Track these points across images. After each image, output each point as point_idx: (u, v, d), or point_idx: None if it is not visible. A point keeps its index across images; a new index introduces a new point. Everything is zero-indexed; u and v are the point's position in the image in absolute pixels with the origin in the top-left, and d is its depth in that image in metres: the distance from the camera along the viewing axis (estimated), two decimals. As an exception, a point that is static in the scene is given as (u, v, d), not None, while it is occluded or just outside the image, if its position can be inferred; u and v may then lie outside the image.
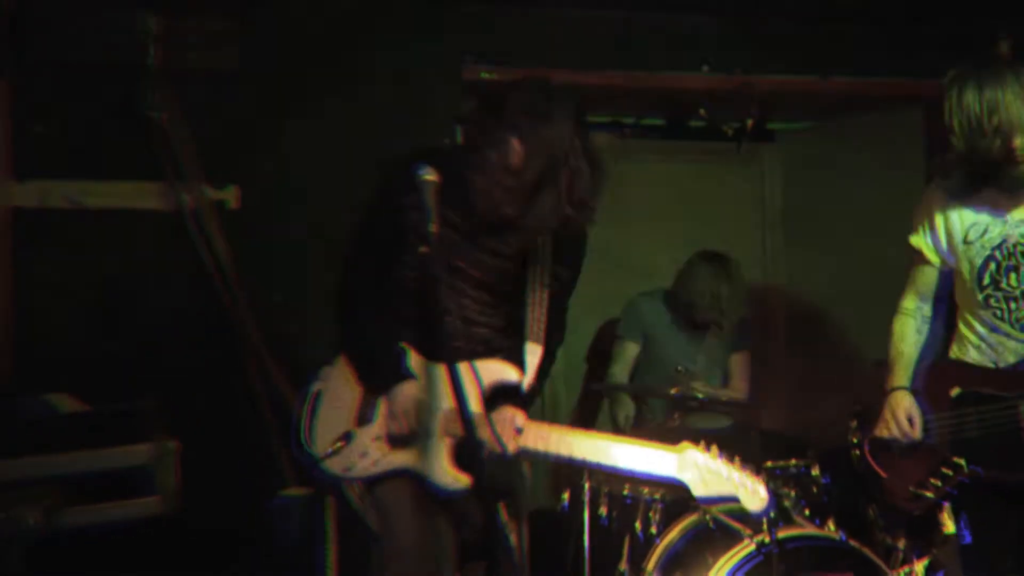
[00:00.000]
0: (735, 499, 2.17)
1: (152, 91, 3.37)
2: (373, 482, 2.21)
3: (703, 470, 2.15)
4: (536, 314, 2.22)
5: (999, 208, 2.49)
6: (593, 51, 3.88)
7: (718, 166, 4.59)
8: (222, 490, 3.01)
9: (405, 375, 2.18)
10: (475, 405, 2.07)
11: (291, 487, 3.04)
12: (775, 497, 2.22)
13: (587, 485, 3.22)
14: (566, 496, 3.36)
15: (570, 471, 3.34)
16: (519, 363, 2.22)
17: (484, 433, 2.05)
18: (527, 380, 2.20)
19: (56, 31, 3.34)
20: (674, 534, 3.10)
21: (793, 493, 3.12)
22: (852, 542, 2.91)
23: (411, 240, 2.10)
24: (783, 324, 4.66)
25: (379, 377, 2.20)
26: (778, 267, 4.70)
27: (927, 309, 2.67)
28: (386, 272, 2.20)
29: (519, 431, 2.16)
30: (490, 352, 2.21)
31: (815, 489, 3.16)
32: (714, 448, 2.19)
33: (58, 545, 2.20)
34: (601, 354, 4.22)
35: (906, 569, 3.03)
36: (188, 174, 3.41)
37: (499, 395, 2.19)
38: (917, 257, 2.67)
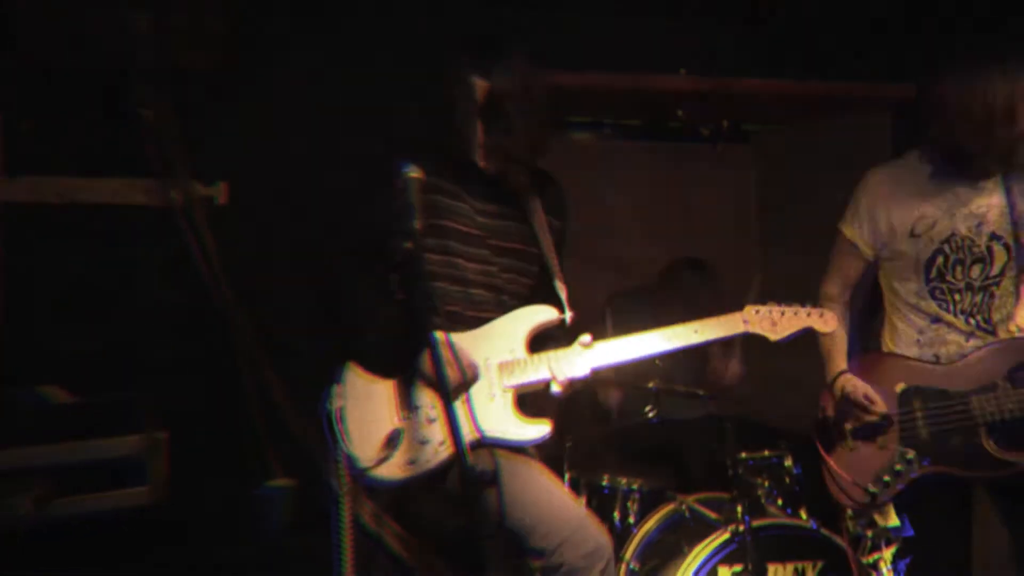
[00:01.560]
0: (810, 329, 2.30)
1: (141, 88, 3.34)
2: (400, 507, 2.14)
3: (770, 317, 2.26)
4: (552, 255, 2.30)
5: (952, 202, 2.50)
6: (573, 53, 3.87)
7: (695, 166, 4.62)
8: (210, 480, 2.99)
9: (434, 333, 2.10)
10: (523, 353, 2.16)
11: (278, 478, 3.02)
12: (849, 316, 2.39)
13: (567, 476, 3.24)
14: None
15: (551, 462, 3.35)
16: (553, 301, 2.26)
17: (553, 373, 2.12)
18: (568, 314, 2.25)
19: (46, 28, 3.29)
20: (651, 524, 3.12)
21: (766, 483, 3.15)
22: (824, 530, 2.94)
23: (428, 221, 2.13)
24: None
25: (414, 344, 2.12)
26: (752, 263, 4.72)
27: (848, 296, 2.69)
28: (381, 262, 2.16)
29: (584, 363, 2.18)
30: (499, 306, 2.23)
31: (788, 479, 3.19)
32: (771, 302, 2.29)
33: (47, 537, 2.17)
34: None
35: (875, 556, 3.05)
36: (177, 171, 3.38)
37: (547, 337, 2.23)
38: (847, 247, 2.67)
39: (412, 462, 2.06)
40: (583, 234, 4.74)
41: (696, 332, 2.24)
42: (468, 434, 2.07)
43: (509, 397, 2.13)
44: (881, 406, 2.53)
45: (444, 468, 2.09)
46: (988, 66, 2.38)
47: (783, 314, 2.28)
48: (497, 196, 2.27)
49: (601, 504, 3.21)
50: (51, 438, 2.21)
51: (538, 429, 2.13)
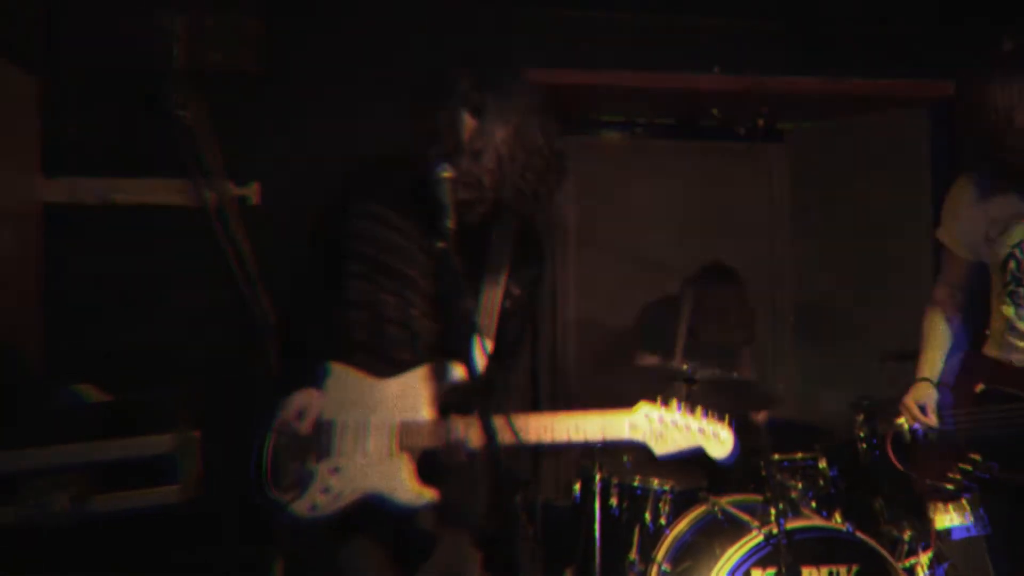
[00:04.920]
0: (699, 449, 2.03)
1: (177, 90, 3.35)
2: (337, 544, 2.08)
3: (660, 426, 2.00)
4: (488, 308, 2.10)
5: (1019, 209, 2.41)
6: (605, 52, 3.85)
7: (727, 165, 4.56)
8: (241, 478, 3.00)
9: (310, 384, 2.08)
10: (424, 413, 2.03)
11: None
12: (739, 440, 2.04)
13: (598, 476, 3.20)
14: (577, 487, 3.34)
15: (581, 463, 3.33)
16: (465, 359, 2.04)
17: (445, 439, 1.99)
18: (477, 370, 2.00)
19: (85, 31, 3.33)
20: (683, 525, 3.08)
21: (800, 485, 3.10)
22: (858, 534, 2.88)
23: (358, 249, 2.07)
24: (791, 320, 4.63)
25: (288, 384, 2.09)
26: (786, 264, 4.66)
27: (960, 297, 2.59)
28: (331, 282, 2.13)
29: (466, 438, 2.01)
30: (414, 350, 2.09)
31: (822, 481, 3.13)
32: (673, 401, 2.03)
33: (82, 534, 2.18)
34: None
35: (911, 560, 3.00)
36: (211, 171, 3.39)
37: (455, 396, 2.07)
38: (945, 250, 2.60)
39: (313, 507, 2.04)
40: (615, 234, 4.79)
41: (576, 429, 2.00)
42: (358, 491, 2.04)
43: (404, 458, 2.03)
44: (931, 420, 2.46)
45: (336, 518, 2.05)
46: (996, 75, 2.30)
47: (675, 425, 2.01)
48: (458, 244, 1.94)
49: (633, 505, 3.18)
50: (86, 436, 2.22)
51: (419, 497, 2.04)
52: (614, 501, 3.19)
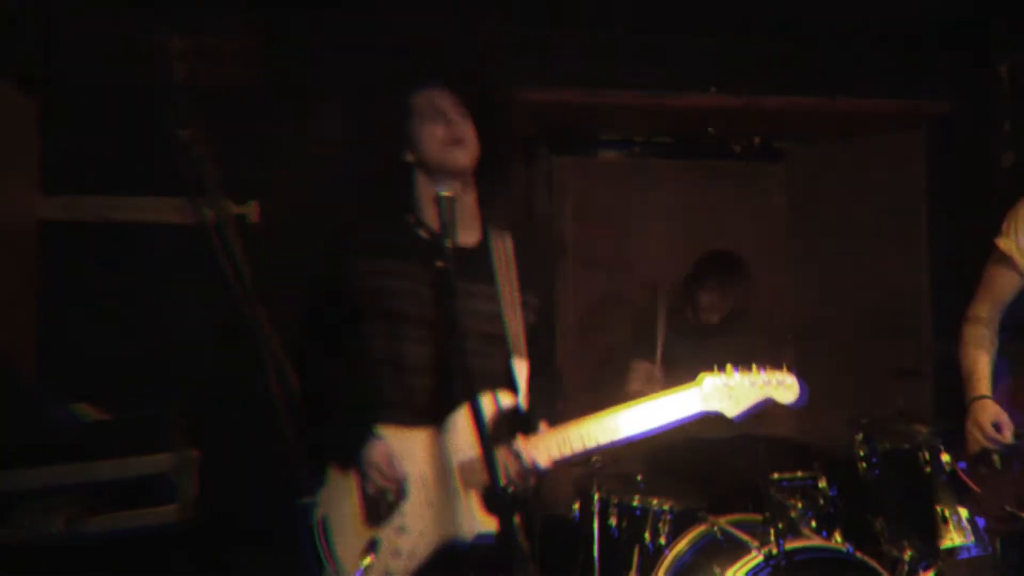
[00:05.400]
0: (769, 400, 2.07)
1: (176, 108, 3.36)
2: None
3: (728, 390, 2.05)
4: (514, 329, 2.09)
5: None
6: (602, 71, 3.88)
7: (725, 184, 4.59)
8: (240, 498, 2.98)
9: (371, 438, 2.04)
10: (471, 450, 1.99)
11: (308, 496, 3.00)
12: (804, 382, 2.09)
13: (597, 496, 3.19)
14: (576, 506, 3.33)
15: (580, 481, 3.31)
16: (509, 385, 2.07)
17: (507, 469, 1.97)
18: (522, 398, 2.06)
19: (84, 49, 3.35)
20: (683, 545, 3.07)
21: (800, 504, 3.09)
22: (859, 554, 2.87)
23: (374, 306, 2.06)
24: (789, 339, 4.59)
25: (346, 450, 2.05)
26: (783, 281, 4.67)
27: (998, 318, 2.50)
28: (349, 344, 2.11)
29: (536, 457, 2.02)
30: (450, 396, 2.04)
31: (822, 501, 3.12)
32: (728, 366, 2.07)
33: (78, 555, 2.16)
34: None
35: (912, 581, 2.98)
36: (210, 189, 3.40)
37: (504, 424, 2.05)
38: (1002, 263, 2.47)
39: (387, 574, 1.99)
40: (613, 253, 4.80)
41: (650, 418, 2.03)
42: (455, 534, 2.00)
43: (472, 495, 2.00)
44: (1007, 437, 2.38)
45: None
46: None
47: (742, 383, 2.06)
48: (465, 270, 1.99)
49: (632, 525, 3.16)
50: (82, 456, 2.20)
51: (483, 524, 2.00)
52: (613, 521, 3.18)
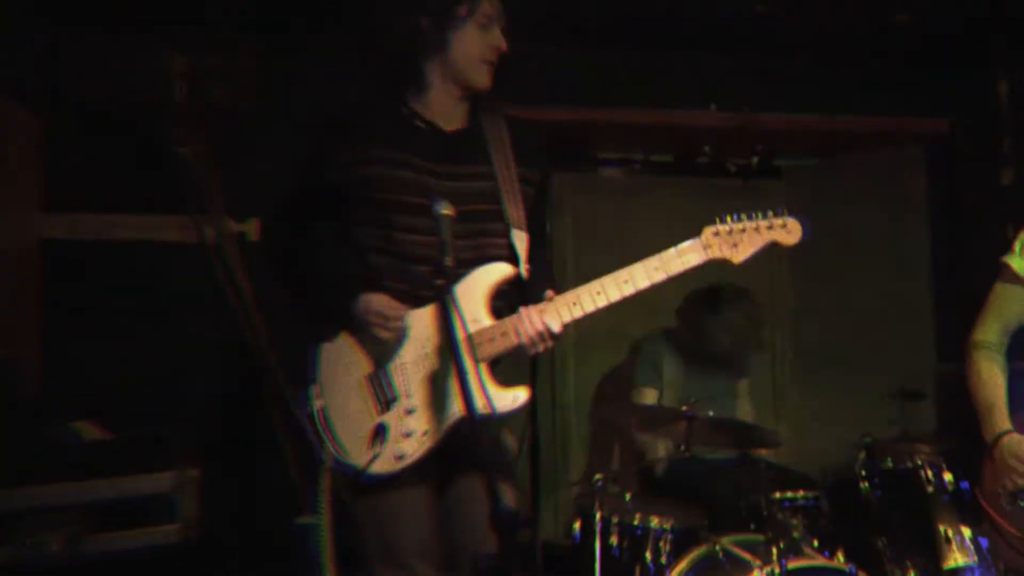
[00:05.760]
0: (772, 243, 2.09)
1: (177, 127, 3.40)
2: (381, 489, 2.00)
3: (730, 237, 2.08)
4: (513, 201, 2.10)
5: None
6: (601, 89, 3.91)
7: (726, 202, 4.49)
8: (241, 517, 2.98)
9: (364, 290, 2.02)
10: (486, 321, 2.00)
11: (307, 515, 3.00)
12: (807, 220, 2.11)
13: (598, 515, 3.19)
14: (577, 526, 3.32)
15: (581, 501, 3.31)
16: (510, 257, 2.07)
17: (519, 336, 1.97)
18: (523, 267, 2.06)
19: (87, 70, 3.38)
20: (684, 565, 3.05)
21: (802, 524, 3.08)
22: (862, 574, 2.86)
23: (369, 195, 2.03)
24: (790, 354, 4.63)
25: (339, 304, 2.01)
26: (785, 301, 4.67)
27: (1006, 342, 2.37)
28: (340, 232, 2.09)
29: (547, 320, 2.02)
30: (453, 279, 1.99)
31: (823, 520, 3.11)
32: (728, 216, 2.10)
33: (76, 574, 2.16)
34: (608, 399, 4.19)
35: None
36: (211, 207, 3.42)
37: (508, 295, 2.06)
38: (1011, 282, 2.34)
39: (400, 456, 1.97)
40: (615, 265, 4.72)
41: (657, 269, 2.08)
42: (461, 411, 1.93)
43: (483, 370, 1.98)
44: None
45: (429, 456, 2.00)
46: None
47: (744, 231, 2.09)
48: (454, 153, 2.07)
49: (633, 544, 3.15)
50: (84, 475, 2.21)
51: (516, 399, 1.99)
52: (614, 540, 3.17)
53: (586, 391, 4.42)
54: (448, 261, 1.88)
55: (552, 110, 3.85)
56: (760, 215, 2.10)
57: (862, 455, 3.11)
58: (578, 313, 2.03)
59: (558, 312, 2.03)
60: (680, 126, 4.04)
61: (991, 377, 2.31)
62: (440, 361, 1.99)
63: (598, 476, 3.23)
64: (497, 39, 2.13)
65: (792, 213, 2.12)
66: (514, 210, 2.09)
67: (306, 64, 3.58)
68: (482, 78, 2.12)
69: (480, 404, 1.93)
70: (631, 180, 4.60)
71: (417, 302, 2.03)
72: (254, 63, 3.52)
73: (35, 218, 3.35)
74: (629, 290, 2.05)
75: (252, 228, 3.47)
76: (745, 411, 3.84)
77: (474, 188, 2.09)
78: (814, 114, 3.99)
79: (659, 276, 2.06)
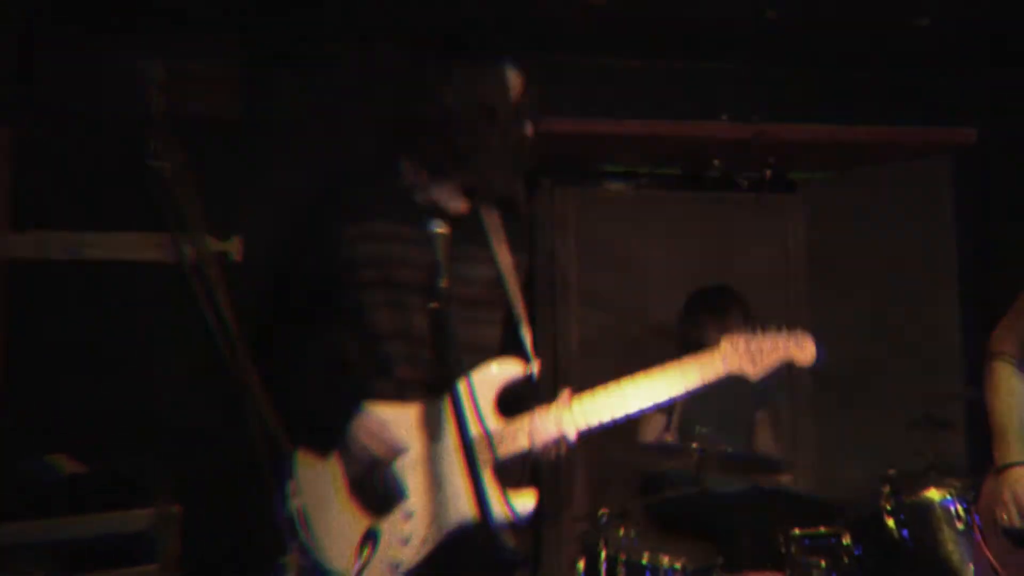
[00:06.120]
0: (789, 361, 2.20)
1: (155, 140, 3.42)
2: None
3: (747, 353, 2.18)
4: (516, 292, 2.16)
5: None
6: (607, 99, 3.97)
7: (738, 218, 4.60)
8: (223, 555, 3.00)
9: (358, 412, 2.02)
10: (493, 421, 2.03)
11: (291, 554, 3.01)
12: (820, 345, 2.23)
13: (604, 554, 3.21)
14: (581, 566, 3.34)
15: (586, 538, 3.33)
16: (517, 352, 2.12)
17: (533, 440, 2.00)
18: (535, 364, 2.11)
19: (60, 77, 3.40)
20: (696, 605, 3.08)
21: (824, 563, 3.10)
22: (887, 616, 2.88)
23: (370, 276, 2.06)
24: (809, 384, 4.62)
25: (332, 430, 2.01)
26: (802, 318, 4.64)
27: None
28: (336, 315, 2.10)
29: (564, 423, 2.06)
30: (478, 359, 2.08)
31: (846, 559, 3.13)
32: (746, 331, 2.21)
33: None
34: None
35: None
36: (190, 225, 3.44)
37: (517, 396, 2.09)
38: None
39: (395, 565, 1.95)
40: (619, 292, 4.80)
41: (679, 381, 2.15)
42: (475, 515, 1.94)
43: (488, 473, 2.01)
44: None
45: (427, 565, 1.99)
46: None
47: (761, 345, 2.19)
48: (457, 236, 2.06)
49: (641, 584, 3.17)
50: (59, 511, 2.23)
51: (526, 504, 2.02)
52: (620, 581, 3.19)
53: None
54: (443, 283, 1.91)
55: (553, 121, 3.87)
56: (775, 330, 2.23)
57: (886, 488, 3.12)
58: (595, 422, 2.10)
59: (575, 420, 2.08)
60: (689, 138, 4.08)
61: (1007, 392, 2.32)
62: (445, 459, 2.00)
63: (603, 511, 3.25)
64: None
65: (804, 332, 2.25)
66: (520, 302, 2.16)
67: (294, 73, 3.63)
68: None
69: (498, 509, 1.96)
70: (637, 195, 4.64)
71: (419, 391, 2.05)
72: (237, 71, 3.56)
73: (2, 236, 3.37)
74: (648, 403, 2.14)
75: (235, 247, 3.52)
76: (765, 442, 3.85)
77: (477, 274, 2.13)
78: (831, 124, 4.03)
79: (677, 388, 2.16)
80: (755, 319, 3.72)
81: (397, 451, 1.98)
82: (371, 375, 2.05)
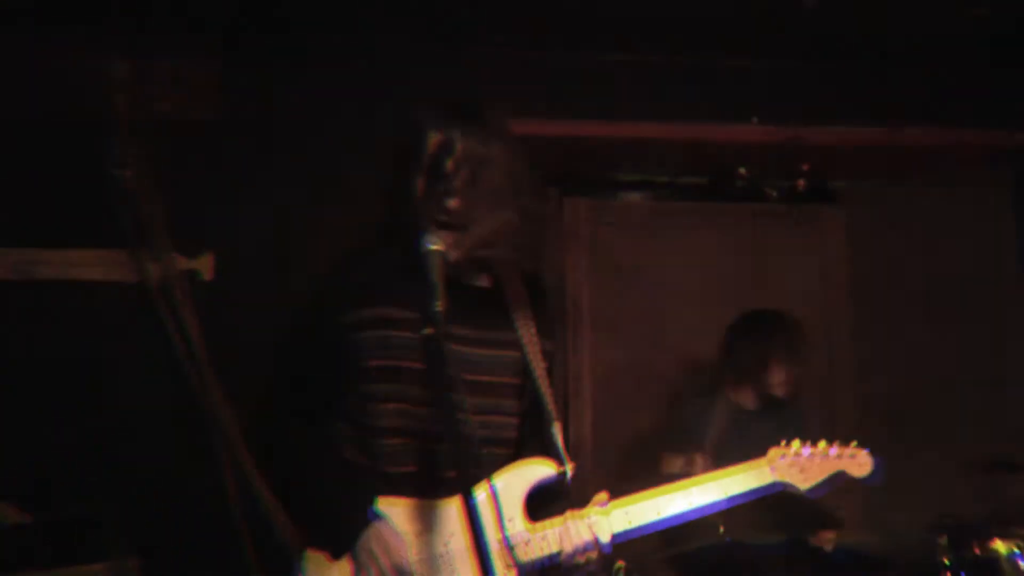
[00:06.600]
0: (841, 474, 2.29)
1: (116, 145, 3.42)
2: None
3: (797, 462, 2.28)
4: (547, 390, 2.25)
5: None
6: (623, 99, 3.95)
7: (771, 233, 4.58)
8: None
9: (371, 519, 2.11)
10: (520, 524, 2.12)
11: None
12: (881, 458, 2.33)
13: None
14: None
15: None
16: (546, 452, 2.22)
17: (563, 544, 2.10)
18: (569, 466, 2.22)
19: (9, 76, 3.40)
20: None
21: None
22: None
23: (374, 365, 2.11)
24: (852, 417, 4.57)
25: (342, 535, 2.10)
26: (845, 351, 4.64)
27: None
28: (340, 408, 2.17)
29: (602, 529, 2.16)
30: (474, 462, 2.11)
31: (899, 623, 3.10)
32: (795, 441, 2.30)
33: None
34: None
35: None
36: (155, 241, 3.44)
37: (546, 498, 2.18)
38: None
39: None
40: (637, 315, 4.76)
41: (722, 489, 2.26)
42: None
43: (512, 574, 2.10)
44: None
45: None
46: None
47: (812, 457, 2.31)
48: (473, 312, 2.16)
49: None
50: (3, 567, 2.20)
51: None
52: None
53: (608, 456, 4.39)
54: (438, 307, 1.91)
55: (563, 124, 3.91)
56: (825, 445, 2.33)
57: (943, 540, 3.12)
58: (630, 526, 2.19)
59: (610, 524, 2.17)
60: (716, 143, 4.07)
61: None
62: (463, 563, 2.10)
63: (619, 564, 3.22)
64: None
65: (864, 446, 2.35)
66: (549, 393, 2.24)
67: (273, 72, 3.63)
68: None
69: None
70: (658, 206, 4.61)
71: (437, 489, 2.12)
72: (212, 71, 3.56)
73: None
74: (687, 507, 2.23)
75: (206, 265, 3.50)
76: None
77: (496, 358, 2.21)
78: (876, 127, 4.01)
79: (719, 495, 2.26)
80: (807, 348, 3.75)
81: (402, 570, 2.07)
82: (378, 474, 2.13)
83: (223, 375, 3.31)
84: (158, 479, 3.18)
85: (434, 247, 1.99)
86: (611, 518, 2.17)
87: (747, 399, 3.81)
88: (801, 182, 4.26)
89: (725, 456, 3.67)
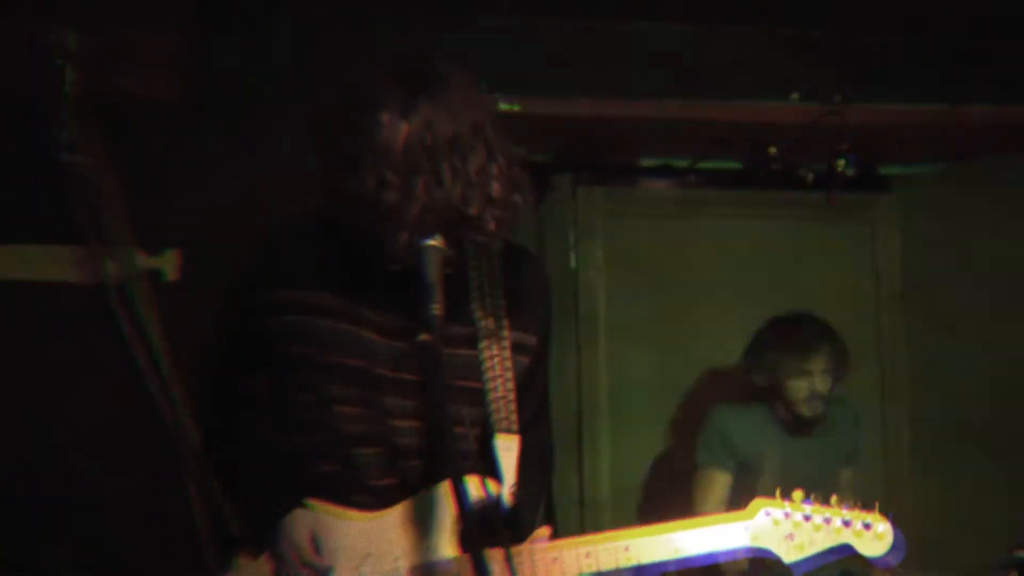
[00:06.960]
0: (846, 548, 2.03)
1: (69, 128, 3.37)
2: None
3: (789, 525, 2.04)
4: (501, 397, 2.09)
5: None
6: (644, 75, 3.93)
7: (814, 224, 4.60)
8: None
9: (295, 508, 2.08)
10: (448, 549, 2.02)
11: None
12: (902, 534, 2.04)
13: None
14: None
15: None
16: (489, 469, 2.07)
17: None
18: (507, 487, 2.07)
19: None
20: None
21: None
22: None
23: (295, 352, 2.08)
24: (906, 433, 4.61)
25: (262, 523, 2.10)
26: (897, 357, 4.67)
27: None
28: (274, 399, 2.15)
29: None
30: (405, 473, 2.07)
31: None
32: (797, 493, 2.06)
33: None
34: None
35: None
36: (114, 236, 3.39)
37: (485, 522, 2.02)
38: None
39: None
40: (658, 317, 4.76)
41: (670, 546, 2.04)
42: None
43: None
44: None
45: None
46: None
47: (810, 518, 2.06)
48: (424, 304, 1.98)
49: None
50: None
51: None
52: None
53: (627, 482, 4.41)
54: (435, 310, 1.85)
55: (576, 102, 3.89)
56: (838, 506, 2.06)
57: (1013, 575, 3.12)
58: (588, 571, 2.04)
59: (562, 565, 2.03)
60: (750, 124, 4.07)
61: None
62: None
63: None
64: None
65: (888, 516, 2.07)
66: (501, 409, 2.09)
67: (250, 45, 3.62)
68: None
69: None
70: (683, 195, 4.62)
71: (363, 497, 2.07)
72: (179, 44, 3.55)
73: None
74: (622, 564, 2.05)
75: (170, 263, 3.51)
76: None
77: (454, 357, 2.04)
78: (934, 104, 3.98)
79: (668, 553, 2.05)
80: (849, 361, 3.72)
81: (319, 570, 2.03)
82: (318, 474, 2.08)
83: (188, 383, 3.27)
84: (116, 503, 3.16)
85: (432, 243, 1.92)
86: (564, 559, 2.02)
87: (783, 413, 3.78)
88: (840, 163, 4.23)
89: (757, 478, 3.66)
